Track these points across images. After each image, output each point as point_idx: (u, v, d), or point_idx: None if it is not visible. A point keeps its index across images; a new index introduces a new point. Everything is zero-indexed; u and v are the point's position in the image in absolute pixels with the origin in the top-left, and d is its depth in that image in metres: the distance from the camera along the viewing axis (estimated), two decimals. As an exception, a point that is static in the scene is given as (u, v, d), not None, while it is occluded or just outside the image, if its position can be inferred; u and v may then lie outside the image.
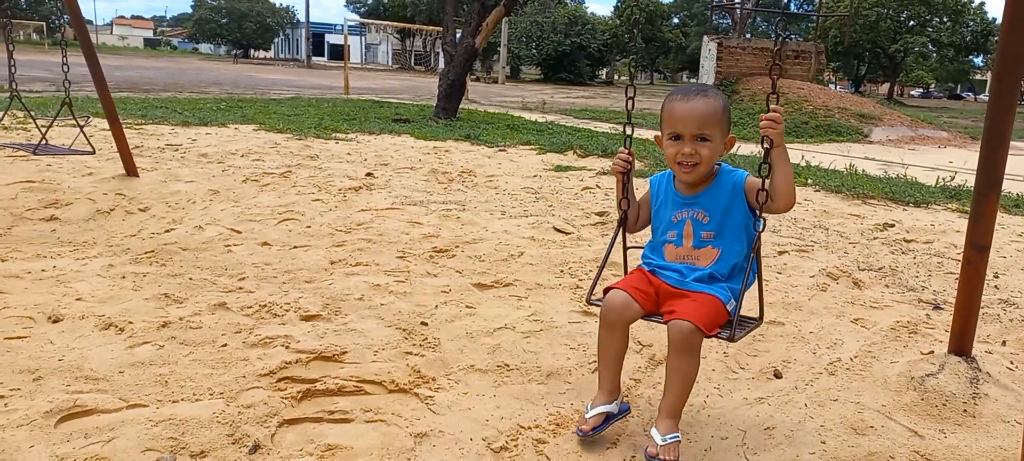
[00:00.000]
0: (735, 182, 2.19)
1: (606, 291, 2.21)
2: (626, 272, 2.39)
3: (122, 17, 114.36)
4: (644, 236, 2.41)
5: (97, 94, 5.62)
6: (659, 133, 2.27)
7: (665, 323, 2.10)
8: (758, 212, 2.10)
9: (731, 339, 2.10)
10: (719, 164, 2.25)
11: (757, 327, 2.28)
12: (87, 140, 5.40)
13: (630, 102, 2.30)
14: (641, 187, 2.40)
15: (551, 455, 2.16)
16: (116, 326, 2.88)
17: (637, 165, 7.35)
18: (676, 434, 2.06)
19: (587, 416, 2.19)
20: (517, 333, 3.06)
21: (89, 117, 6.75)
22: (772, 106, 2.04)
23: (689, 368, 2.07)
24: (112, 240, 4.20)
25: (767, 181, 2.06)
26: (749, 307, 2.22)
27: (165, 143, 7.92)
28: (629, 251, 2.48)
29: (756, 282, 2.21)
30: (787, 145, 2.10)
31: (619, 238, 2.42)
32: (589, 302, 2.31)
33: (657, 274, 2.25)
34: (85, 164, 6.05)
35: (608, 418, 2.22)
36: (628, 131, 2.31)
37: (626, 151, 2.32)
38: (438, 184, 6.47)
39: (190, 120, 10.08)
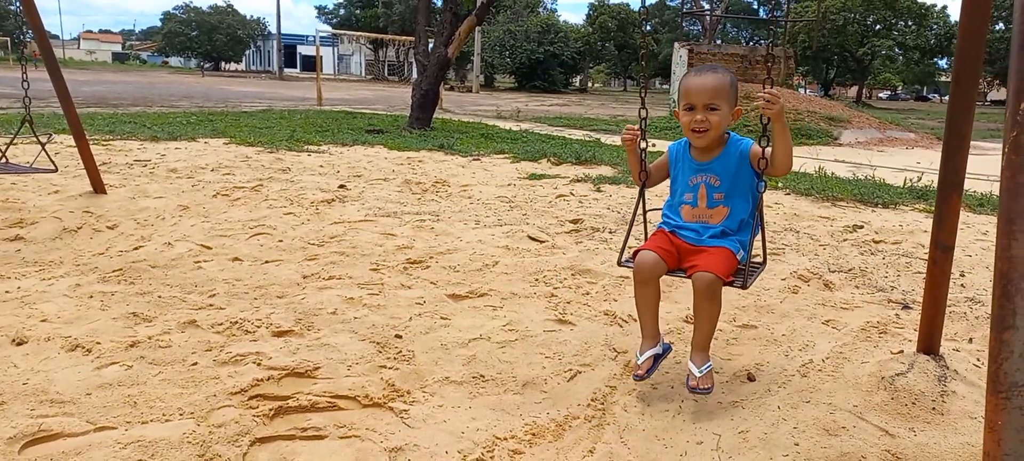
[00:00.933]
0: (742, 150, 2.56)
1: (635, 253, 2.58)
2: (646, 234, 2.77)
3: (90, 31, 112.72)
4: (661, 195, 2.81)
5: (62, 110, 5.53)
6: (677, 108, 2.66)
7: (688, 277, 2.48)
8: (760, 175, 2.49)
9: (743, 287, 2.49)
10: (729, 133, 2.60)
11: (763, 270, 2.76)
12: (50, 158, 5.30)
13: (643, 90, 2.73)
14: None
15: (527, 466, 2.16)
16: (83, 347, 2.82)
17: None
18: (709, 363, 2.50)
19: (639, 362, 2.54)
20: (492, 343, 3.05)
21: (51, 134, 6.64)
22: (767, 90, 2.36)
23: (713, 310, 2.47)
24: (79, 259, 4.13)
25: (766, 150, 2.45)
26: (755, 254, 2.63)
27: (133, 159, 7.81)
28: (649, 213, 2.80)
29: (760, 233, 2.64)
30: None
31: (640, 205, 2.77)
32: (620, 264, 2.68)
33: (677, 234, 2.62)
34: (51, 182, 5.95)
35: (656, 360, 2.58)
36: (643, 113, 2.67)
37: (634, 127, 2.67)
38: (412, 195, 6.45)
39: (159, 135, 9.96)
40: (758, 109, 2.39)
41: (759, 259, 2.69)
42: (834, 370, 2.89)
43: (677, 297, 3.78)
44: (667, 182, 2.82)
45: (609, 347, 3.05)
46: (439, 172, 7.86)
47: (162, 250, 4.31)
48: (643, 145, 2.69)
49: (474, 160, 9.00)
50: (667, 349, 2.67)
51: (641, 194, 2.74)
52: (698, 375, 2.46)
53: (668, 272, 2.54)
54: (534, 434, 2.33)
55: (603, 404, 2.56)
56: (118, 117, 12.67)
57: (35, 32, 5.23)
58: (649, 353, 2.56)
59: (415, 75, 14.40)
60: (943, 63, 52.63)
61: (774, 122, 2.40)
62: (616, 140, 13.05)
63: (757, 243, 2.64)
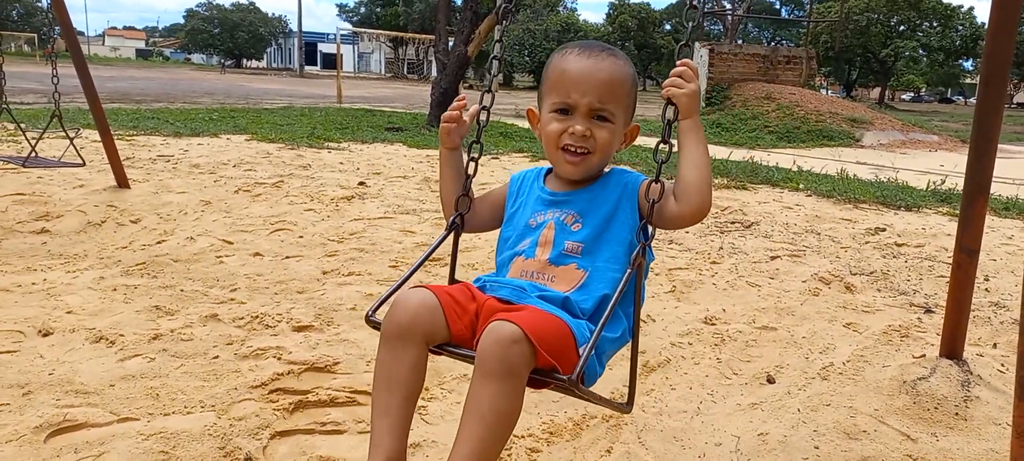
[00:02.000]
0: (627, 184, 1.61)
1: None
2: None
3: (114, 28, 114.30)
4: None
5: (88, 106, 5.61)
6: (532, 106, 1.73)
7: (477, 338, 1.36)
8: (646, 216, 1.50)
9: (574, 385, 1.31)
10: (610, 166, 1.67)
11: (623, 411, 1.64)
12: (77, 152, 5.38)
13: (498, 46, 1.79)
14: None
15: (544, 464, 2.16)
16: (107, 339, 2.86)
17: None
18: None
19: None
20: (510, 341, 3.05)
21: (79, 129, 6.73)
22: (680, 60, 1.52)
23: (501, 406, 1.29)
24: (103, 252, 4.19)
25: (663, 165, 1.47)
26: (613, 386, 2.03)
27: (157, 154, 7.90)
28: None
29: (631, 342, 1.55)
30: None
31: (448, 243, 1.75)
32: (368, 320, 1.55)
33: (486, 290, 1.56)
34: (76, 176, 6.03)
35: None
36: (487, 81, 1.74)
37: (457, 101, 1.71)
38: (431, 192, 6.47)
39: (182, 131, 10.07)
40: (664, 90, 1.52)
41: (619, 399, 1.70)
42: (855, 373, 2.86)
43: (697, 298, 3.75)
44: (493, 237, 1.76)
45: (627, 348, 3.04)
46: (458, 170, 7.86)
47: (184, 244, 4.36)
48: (476, 149, 1.72)
49: (493, 159, 9.01)
50: None
51: (453, 230, 1.73)
52: None
53: (448, 346, 1.44)
54: (552, 433, 2.33)
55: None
56: (141, 113, 12.83)
57: (63, 28, 5.31)
58: None
59: (435, 73, 14.44)
60: (968, 65, 51.91)
61: (683, 115, 1.52)
62: (638, 141, 13.07)
63: (622, 361, 1.73)
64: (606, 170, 1.66)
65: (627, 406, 1.58)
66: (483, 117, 1.73)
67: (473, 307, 1.49)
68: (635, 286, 1.50)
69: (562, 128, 1.58)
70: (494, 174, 7.64)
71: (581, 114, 1.57)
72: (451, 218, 1.72)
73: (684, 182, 1.51)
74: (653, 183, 1.48)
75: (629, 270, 1.45)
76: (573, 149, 1.58)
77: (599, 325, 1.37)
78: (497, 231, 1.76)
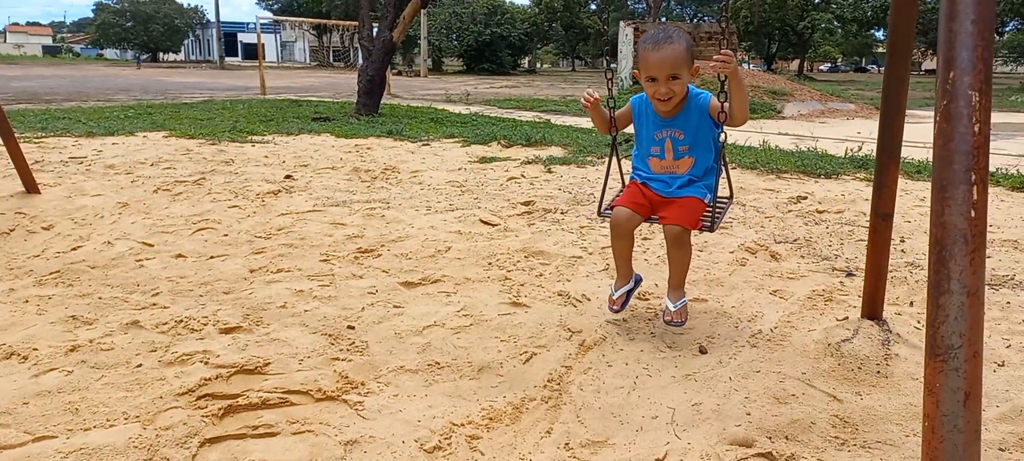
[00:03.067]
0: (701, 105, 2.75)
1: (612, 206, 2.85)
2: (623, 183, 3.05)
3: (16, 24, 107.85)
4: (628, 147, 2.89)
5: (-13, 108, 5.27)
6: (636, 69, 2.81)
7: (662, 225, 2.78)
8: (719, 125, 2.71)
9: (711, 230, 2.80)
10: (688, 88, 2.77)
11: (730, 204, 3.07)
12: (-21, 157, 5.06)
13: (609, 71, 3.02)
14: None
15: (485, 450, 2.15)
16: (19, 354, 2.71)
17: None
18: (684, 298, 2.86)
19: (614, 296, 2.94)
20: (447, 329, 3.04)
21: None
22: (722, 50, 2.52)
23: (684, 256, 2.78)
24: (13, 262, 3.95)
25: (724, 104, 2.64)
26: (721, 193, 3.00)
27: (69, 156, 7.51)
28: (622, 161, 3.11)
29: (725, 173, 2.91)
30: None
31: (614, 156, 3.07)
32: (600, 215, 3.01)
33: (648, 185, 2.86)
34: (-21, 183, 5.68)
35: (628, 294, 2.97)
36: (613, 90, 2.96)
37: (594, 94, 2.88)
38: (361, 182, 6.36)
39: (95, 130, 9.60)
40: (714, 69, 2.57)
41: (726, 195, 3.02)
42: (782, 339, 2.96)
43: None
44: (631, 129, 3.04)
45: (564, 328, 3.06)
46: (388, 159, 7.76)
47: (102, 249, 4.16)
48: (612, 103, 2.93)
49: (424, 145, 8.92)
50: (638, 281, 3.04)
51: (613, 145, 3.01)
52: (673, 309, 2.83)
53: (643, 221, 2.82)
54: (491, 418, 2.32)
55: (560, 385, 2.57)
56: (51, 113, 12.17)
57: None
58: (623, 289, 2.95)
59: (361, 61, 14.16)
60: (880, 34, 54.14)
61: (730, 79, 2.59)
62: (567, 120, 13.12)
63: (723, 182, 2.95)
64: (685, 93, 2.77)
65: (731, 198, 3.11)
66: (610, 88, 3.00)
67: (646, 200, 2.84)
68: (721, 154, 2.85)
69: (653, 89, 2.72)
70: (444, 153, 7.56)
71: (662, 80, 2.68)
72: (613, 136, 3.00)
73: (734, 109, 2.64)
74: (719, 112, 2.68)
75: (718, 154, 2.85)
76: (662, 98, 2.72)
77: (715, 184, 2.86)
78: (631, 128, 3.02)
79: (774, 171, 6.87)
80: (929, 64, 64.01)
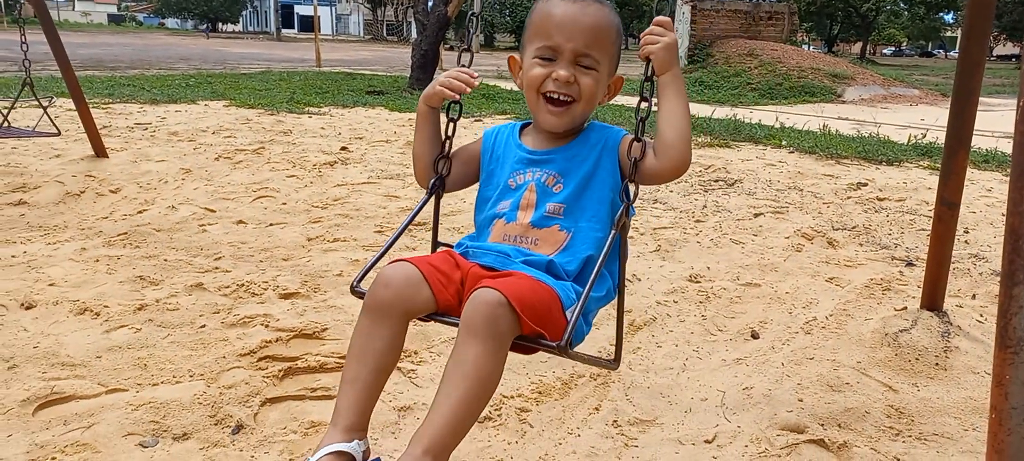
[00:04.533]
0: (607, 140, 1.58)
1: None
2: (434, 250, 1.73)
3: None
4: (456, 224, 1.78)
5: (60, 73, 5.49)
6: (515, 53, 1.68)
7: (464, 303, 1.36)
8: (628, 175, 1.47)
9: (564, 350, 1.36)
10: (589, 122, 1.64)
11: (610, 368, 1.66)
12: (52, 121, 5.28)
13: (475, 19, 1.76)
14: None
15: (534, 422, 2.19)
16: (91, 311, 2.84)
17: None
18: None
19: None
20: (497, 303, 3.07)
21: (53, 97, 6.59)
22: (658, 18, 1.50)
23: (482, 367, 1.29)
24: (83, 223, 4.13)
25: (643, 123, 1.45)
26: (599, 345, 2.07)
27: (134, 122, 7.78)
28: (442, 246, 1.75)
29: (616, 300, 1.56)
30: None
31: (429, 207, 1.72)
32: (354, 291, 1.57)
33: (470, 256, 1.56)
34: (52, 146, 5.93)
35: None
36: (465, 46, 1.70)
37: (463, 71, 1.62)
38: (414, 156, 6.43)
39: (159, 97, 9.90)
40: (644, 50, 1.49)
41: (606, 356, 1.71)
42: (838, 327, 2.91)
43: (681, 256, 3.78)
44: (470, 195, 1.75)
45: (613, 306, 3.06)
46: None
47: (166, 214, 4.32)
48: (453, 117, 1.68)
49: (476, 121, 8.96)
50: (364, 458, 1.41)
51: (434, 193, 1.69)
52: None
53: (435, 314, 1.46)
54: (541, 392, 2.35)
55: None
56: (116, 80, 12.59)
57: (31, -6, 5.16)
58: (329, 449, 1.35)
59: (414, 35, 14.25)
60: (949, 18, 52.03)
61: (661, 70, 1.50)
62: (618, 99, 13.03)
63: (609, 318, 1.79)
64: (586, 124, 1.62)
65: (614, 363, 1.58)
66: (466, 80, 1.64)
67: (458, 275, 1.49)
68: (620, 245, 1.48)
69: (546, 73, 1.53)
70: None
71: (565, 59, 1.52)
72: (431, 181, 1.68)
73: (662, 138, 1.49)
74: (634, 141, 1.46)
75: (613, 231, 1.45)
76: (556, 96, 1.54)
77: (586, 289, 1.38)
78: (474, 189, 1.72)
79: (833, 156, 6.70)
80: (1002, 49, 61.26)
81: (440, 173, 1.67)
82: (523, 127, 1.69)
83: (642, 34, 1.51)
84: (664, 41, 1.47)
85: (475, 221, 1.65)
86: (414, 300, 1.43)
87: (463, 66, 1.64)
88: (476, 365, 1.29)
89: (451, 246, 1.65)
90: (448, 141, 1.67)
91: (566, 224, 1.54)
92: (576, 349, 1.44)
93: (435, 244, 1.76)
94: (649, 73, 1.50)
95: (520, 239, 1.54)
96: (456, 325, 1.37)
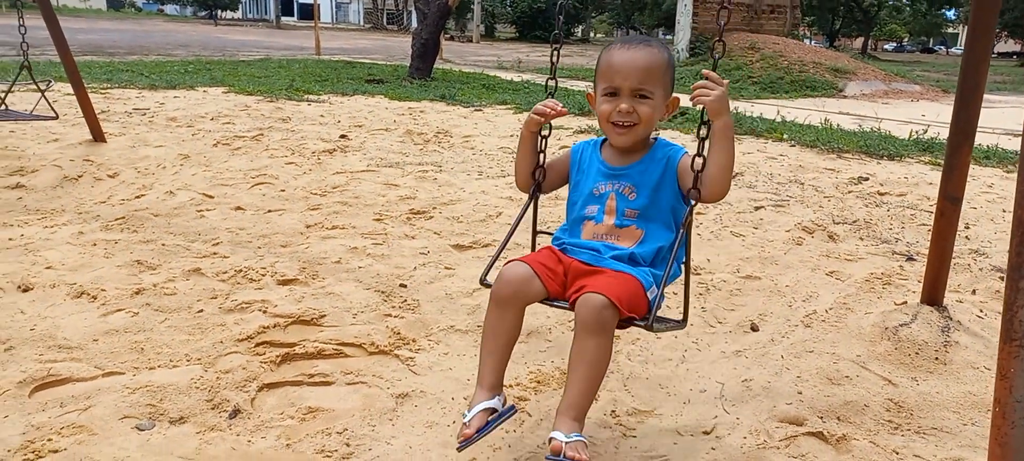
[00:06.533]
0: (670, 158, 1.94)
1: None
2: (534, 248, 2.11)
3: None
4: (556, 216, 2.15)
5: (59, 58, 5.46)
6: (591, 91, 2.06)
7: (571, 305, 1.77)
8: (688, 196, 1.86)
9: (649, 327, 1.78)
10: (656, 137, 2.01)
11: (679, 328, 1.95)
12: (49, 105, 5.25)
13: (556, 53, 2.05)
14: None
15: (532, 411, 2.18)
16: (89, 294, 2.83)
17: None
18: (580, 435, 1.69)
19: (466, 419, 1.77)
20: (496, 293, 3.06)
21: (50, 81, 6.55)
22: (705, 71, 1.81)
23: (599, 353, 1.70)
24: (81, 207, 4.12)
25: (698, 160, 1.80)
26: (674, 305, 2.20)
27: (132, 107, 7.74)
28: (539, 235, 2.17)
29: (683, 277, 1.96)
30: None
31: (529, 210, 2.11)
32: (482, 283, 1.97)
33: (569, 252, 1.94)
34: (50, 130, 5.90)
35: (491, 420, 1.79)
36: (552, 83, 2.07)
37: (553, 101, 1.99)
38: (413, 145, 6.41)
39: (157, 83, 9.85)
40: (696, 98, 1.80)
41: (679, 315, 1.96)
42: (837, 320, 2.90)
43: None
44: (562, 194, 2.16)
45: (679, 282, 3.05)
46: (441, 123, 7.79)
47: (164, 199, 4.30)
48: (545, 134, 2.06)
49: (476, 111, 8.93)
50: (510, 410, 1.87)
51: (533, 199, 2.10)
52: (565, 441, 1.66)
53: (546, 300, 1.85)
54: (539, 381, 2.35)
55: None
56: (115, 65, 12.53)
57: (29, -24, 5.13)
58: (482, 406, 1.79)
59: (415, 24, 14.19)
60: (951, 14, 51.90)
61: (714, 118, 1.79)
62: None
63: (678, 290, 2.11)
64: (652, 140, 1.98)
65: (683, 323, 1.95)
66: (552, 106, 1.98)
67: (561, 269, 1.88)
68: (686, 239, 1.88)
69: (611, 107, 1.91)
70: (496, 120, 7.57)
71: (625, 95, 1.89)
72: (531, 188, 2.08)
73: (708, 173, 1.82)
74: (691, 189, 1.84)
75: (682, 231, 1.86)
76: (620, 123, 1.91)
77: (663, 277, 1.81)
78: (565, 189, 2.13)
79: (835, 150, 6.69)
80: (1003, 46, 61.15)
81: (537, 181, 2.09)
82: (602, 143, 2.06)
83: (694, 85, 1.80)
84: (716, 93, 1.78)
85: (567, 217, 2.07)
86: (528, 292, 1.83)
87: (551, 96, 2.01)
88: (594, 352, 1.70)
89: (549, 234, 2.08)
90: (542, 154, 2.07)
91: (641, 224, 1.92)
92: (658, 321, 1.84)
93: (535, 236, 2.18)
94: (705, 118, 1.80)
95: (606, 236, 1.93)
96: (563, 308, 1.83)
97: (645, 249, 1.89)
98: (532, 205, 2.11)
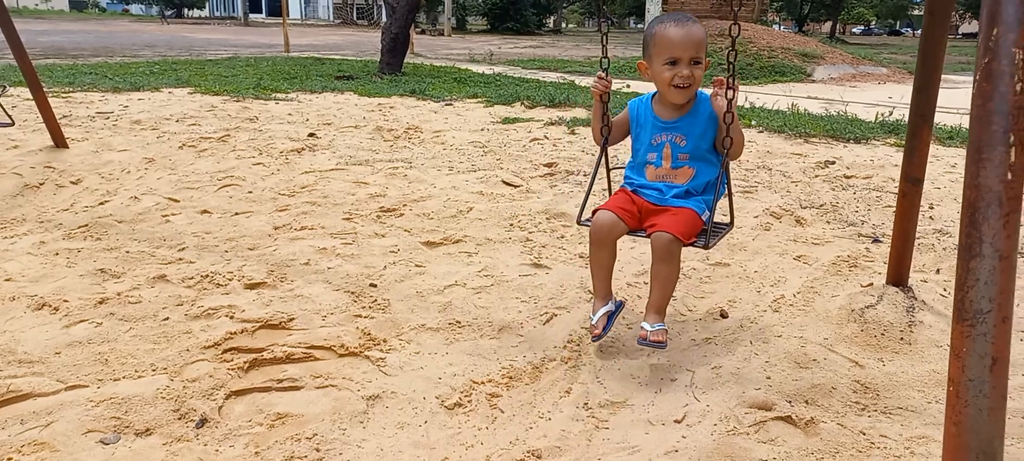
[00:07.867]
0: (713, 112, 2.43)
1: (594, 212, 2.48)
2: (610, 190, 2.67)
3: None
4: (623, 154, 2.51)
5: (16, 61, 5.32)
6: (642, 60, 2.50)
7: (648, 236, 2.38)
8: (721, 140, 2.43)
9: (706, 247, 2.39)
10: (697, 92, 2.49)
11: (730, 231, 2.60)
12: (5, 111, 5.12)
13: (604, 37, 2.51)
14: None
15: (504, 408, 2.18)
16: (50, 305, 2.77)
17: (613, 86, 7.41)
18: (662, 324, 2.36)
19: (593, 322, 2.49)
20: (468, 289, 3.05)
21: (6, 86, 6.39)
22: (716, 79, 2.35)
23: (670, 272, 2.35)
24: (43, 216, 4.03)
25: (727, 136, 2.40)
26: (722, 214, 2.59)
27: (95, 111, 7.58)
28: (612, 171, 2.70)
29: (726, 193, 2.56)
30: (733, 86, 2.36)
31: (603, 160, 2.63)
32: (579, 223, 2.60)
33: (639, 193, 2.51)
34: (9, 137, 5.76)
35: (611, 317, 2.52)
36: (604, 61, 2.52)
37: (605, 75, 2.52)
38: (384, 142, 6.36)
39: (121, 85, 9.66)
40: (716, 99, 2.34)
41: (726, 221, 2.57)
42: (805, 304, 2.94)
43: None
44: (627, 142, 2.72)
45: (584, 289, 3.06)
46: (411, 118, 7.74)
47: (128, 204, 4.22)
48: (608, 85, 2.59)
49: (446, 105, 8.88)
50: (619, 306, 2.58)
51: (604, 150, 2.62)
52: (650, 329, 2.33)
53: (629, 232, 2.45)
54: (511, 377, 2.34)
55: (579, 346, 2.58)
56: (78, 68, 12.27)
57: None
58: (602, 311, 2.50)
59: (384, 19, 14.08)
60: (915, -4, 52.59)
61: (727, 111, 2.32)
62: (591, 81, 12.94)
63: (724, 205, 2.60)
64: (694, 95, 2.46)
65: (731, 225, 2.60)
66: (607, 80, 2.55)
67: (635, 208, 2.47)
68: (726, 176, 2.49)
69: (674, 73, 2.37)
70: (467, 113, 7.53)
71: (685, 63, 2.36)
72: (602, 142, 2.61)
73: (735, 149, 2.42)
74: (724, 138, 2.39)
75: (722, 170, 2.44)
76: (681, 84, 2.38)
77: (714, 200, 2.44)
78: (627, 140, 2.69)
79: (802, 135, 6.75)
80: (967, 27, 62.19)
81: (605, 136, 2.60)
82: (652, 97, 2.55)
83: (712, 94, 2.35)
84: (731, 96, 2.30)
85: (634, 160, 2.58)
86: (614, 231, 2.42)
87: (599, 74, 2.52)
88: (667, 272, 2.35)
89: (620, 169, 2.64)
90: (607, 115, 2.59)
91: (692, 164, 2.46)
92: (710, 241, 2.42)
93: (609, 179, 2.71)
94: (729, 122, 2.33)
95: (665, 177, 2.49)
96: (644, 237, 2.42)
97: (696, 183, 2.46)
98: (603, 155, 2.63)
